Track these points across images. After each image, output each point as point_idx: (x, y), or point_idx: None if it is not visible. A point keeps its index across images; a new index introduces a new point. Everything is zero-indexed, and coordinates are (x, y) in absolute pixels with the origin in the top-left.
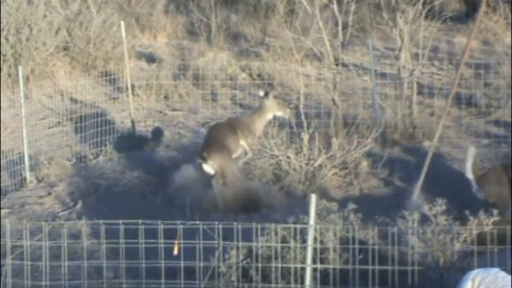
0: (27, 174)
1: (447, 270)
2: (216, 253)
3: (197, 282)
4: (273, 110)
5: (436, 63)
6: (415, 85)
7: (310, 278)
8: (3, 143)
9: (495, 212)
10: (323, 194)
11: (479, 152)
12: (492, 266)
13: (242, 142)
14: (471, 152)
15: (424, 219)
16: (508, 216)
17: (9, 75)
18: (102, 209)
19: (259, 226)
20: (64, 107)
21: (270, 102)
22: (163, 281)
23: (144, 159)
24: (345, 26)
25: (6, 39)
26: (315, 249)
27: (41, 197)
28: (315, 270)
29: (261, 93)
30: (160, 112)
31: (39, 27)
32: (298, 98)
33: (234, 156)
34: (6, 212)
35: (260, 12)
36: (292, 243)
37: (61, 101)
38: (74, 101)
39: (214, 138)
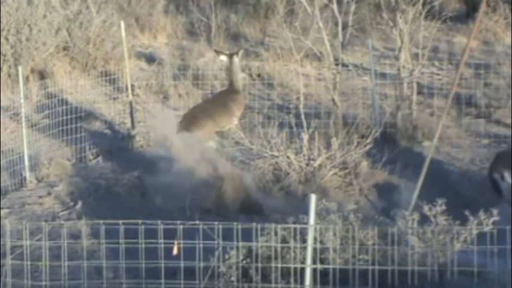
0: (27, 174)
1: (447, 271)
2: (216, 253)
3: (197, 282)
4: (240, 65)
5: (436, 63)
6: (415, 85)
7: (310, 278)
8: (3, 143)
9: (495, 212)
10: (323, 194)
11: (479, 152)
12: (492, 265)
13: (238, 113)
14: None
15: (424, 219)
16: None
17: (9, 75)
18: (102, 209)
19: (259, 226)
20: (64, 107)
21: (237, 60)
22: (163, 281)
23: (144, 159)
24: (345, 26)
25: (6, 39)
26: (314, 249)
27: (41, 197)
28: (314, 270)
29: (224, 58)
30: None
31: (39, 27)
32: (298, 98)
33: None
34: (6, 212)
35: (260, 12)
36: (292, 243)
37: (61, 101)
38: (74, 101)
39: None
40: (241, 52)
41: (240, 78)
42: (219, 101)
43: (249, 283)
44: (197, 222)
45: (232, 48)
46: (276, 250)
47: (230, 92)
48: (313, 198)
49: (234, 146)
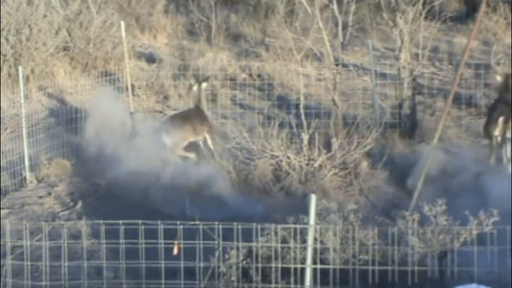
0: (27, 174)
1: (447, 270)
2: (216, 253)
3: (197, 282)
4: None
5: (436, 63)
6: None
7: (310, 278)
8: (3, 143)
9: (495, 212)
10: (323, 194)
11: (479, 152)
12: (492, 265)
13: (208, 136)
14: None
15: (424, 219)
16: None
17: (9, 75)
18: (102, 209)
19: (259, 226)
20: (64, 107)
21: (204, 87)
22: (163, 281)
23: (143, 159)
24: (345, 26)
25: (6, 39)
26: (315, 249)
27: (41, 197)
28: (315, 270)
29: (195, 86)
30: (161, 112)
31: (39, 27)
32: (298, 98)
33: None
34: (6, 212)
35: (260, 12)
36: (292, 244)
37: (61, 101)
38: (74, 101)
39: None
40: (209, 79)
41: (205, 103)
42: (187, 118)
43: (249, 283)
44: (197, 222)
45: (232, 48)
46: (276, 250)
47: (198, 111)
48: (313, 198)
49: (234, 146)
